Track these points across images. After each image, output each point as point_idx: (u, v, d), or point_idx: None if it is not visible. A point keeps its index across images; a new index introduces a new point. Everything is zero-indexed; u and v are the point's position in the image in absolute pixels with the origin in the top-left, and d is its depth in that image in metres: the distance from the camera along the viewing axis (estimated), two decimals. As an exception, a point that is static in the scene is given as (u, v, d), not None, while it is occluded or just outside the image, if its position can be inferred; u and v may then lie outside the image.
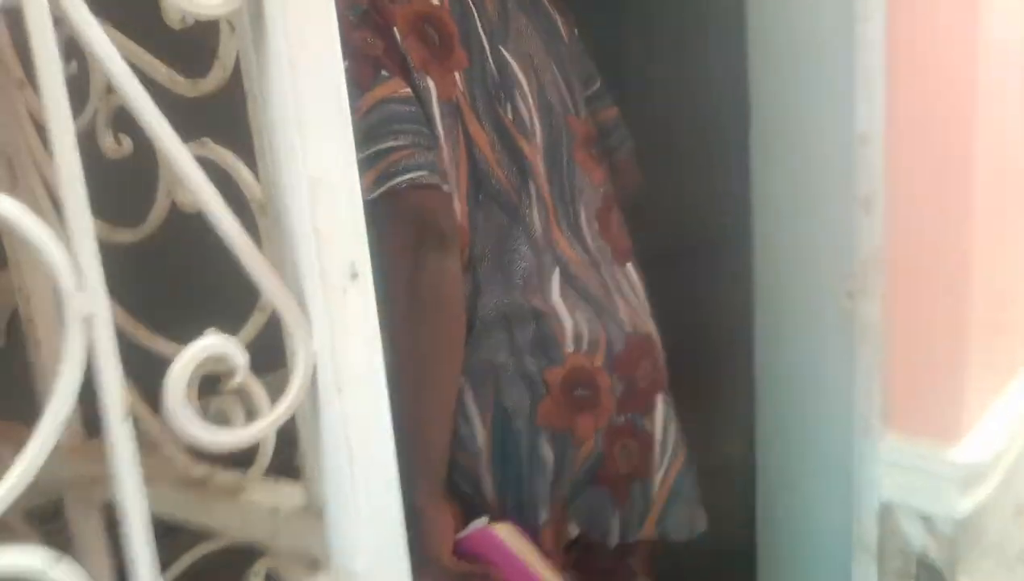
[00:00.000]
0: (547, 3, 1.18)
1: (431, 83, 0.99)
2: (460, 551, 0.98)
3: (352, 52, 0.92)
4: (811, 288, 1.11)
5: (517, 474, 1.02)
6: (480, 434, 1.02)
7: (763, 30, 1.08)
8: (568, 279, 1.07)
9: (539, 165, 1.08)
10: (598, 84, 1.24)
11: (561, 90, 1.13)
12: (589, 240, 1.12)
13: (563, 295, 1.05)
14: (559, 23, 1.18)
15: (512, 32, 1.09)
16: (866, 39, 0.97)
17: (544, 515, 1.04)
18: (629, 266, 1.16)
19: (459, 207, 1.01)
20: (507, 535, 0.98)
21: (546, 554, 1.01)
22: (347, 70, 0.87)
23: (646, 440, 1.09)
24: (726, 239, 1.38)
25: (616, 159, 1.23)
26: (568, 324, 1.04)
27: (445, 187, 0.97)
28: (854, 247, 1.05)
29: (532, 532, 1.02)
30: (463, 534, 0.99)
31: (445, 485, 1.00)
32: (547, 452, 1.02)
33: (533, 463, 1.02)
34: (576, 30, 1.22)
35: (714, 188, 1.75)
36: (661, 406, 1.12)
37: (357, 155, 0.85)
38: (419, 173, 0.94)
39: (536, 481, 1.03)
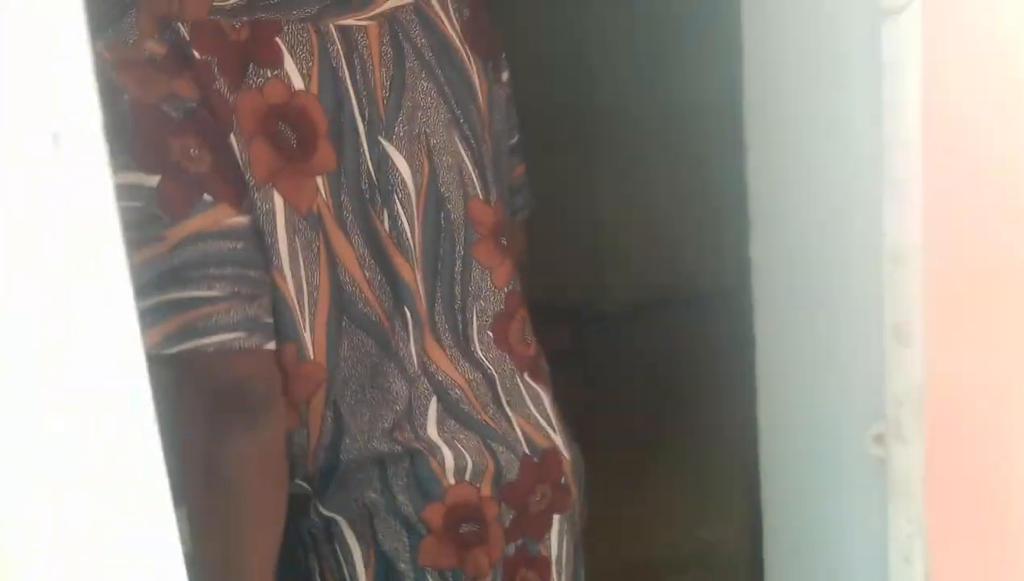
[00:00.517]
0: (463, 50, 0.96)
1: (278, 201, 0.81)
2: None
3: (167, 166, 0.75)
4: (828, 430, 0.92)
5: None
6: (362, 575, 0.91)
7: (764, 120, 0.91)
8: (448, 407, 0.94)
9: (416, 283, 0.91)
10: (516, 137, 1.09)
11: (464, 171, 0.95)
12: (481, 353, 0.97)
13: (441, 426, 0.92)
14: (474, 77, 0.97)
15: (405, 110, 0.90)
16: (899, 138, 0.80)
17: None
18: (527, 376, 1.01)
19: (314, 337, 0.85)
20: None
21: None
22: (158, 189, 0.74)
23: (542, 567, 0.99)
24: (726, 369, 1.23)
25: (516, 221, 1.11)
26: (448, 455, 0.92)
27: (268, 345, 0.81)
28: (884, 382, 0.87)
29: None
30: None
31: None
32: None
33: None
34: (505, 73, 1.05)
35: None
36: (557, 525, 1.00)
37: (152, 298, 0.73)
38: (233, 335, 0.77)
39: None
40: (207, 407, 0.79)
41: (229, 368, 0.79)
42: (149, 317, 0.73)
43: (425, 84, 0.92)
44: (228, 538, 0.83)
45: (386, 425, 0.90)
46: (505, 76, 1.04)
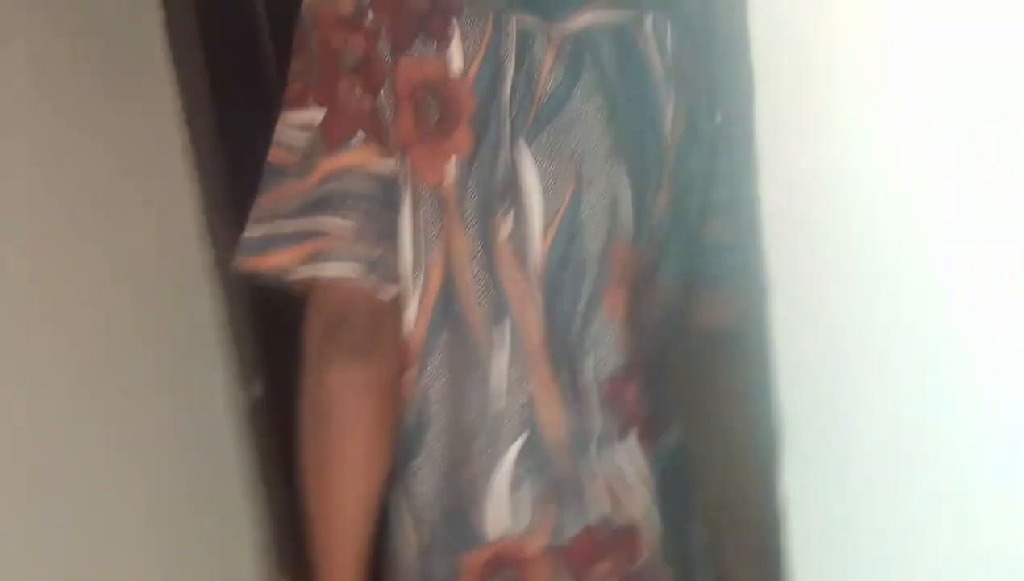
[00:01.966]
0: (663, 83, 0.87)
1: (408, 165, 0.82)
2: None
3: (334, 102, 0.80)
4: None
5: None
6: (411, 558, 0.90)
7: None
8: (535, 448, 0.86)
9: (526, 300, 0.85)
10: (722, 193, 0.94)
11: (619, 208, 0.86)
12: (590, 407, 0.88)
13: (515, 472, 0.86)
14: (667, 113, 0.87)
15: (563, 119, 0.84)
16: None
17: None
18: (632, 439, 0.90)
19: (419, 314, 0.84)
20: None
21: None
22: (323, 121, 0.80)
23: None
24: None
25: (705, 293, 0.97)
26: (501, 515, 0.86)
27: (385, 287, 0.81)
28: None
29: None
30: None
31: None
32: None
33: None
34: (720, 116, 0.90)
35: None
36: None
37: (295, 221, 0.80)
38: (351, 267, 0.79)
39: None
40: (315, 334, 0.81)
41: (341, 301, 0.81)
42: (290, 237, 0.80)
43: (597, 104, 0.85)
44: (320, 469, 0.84)
45: (458, 450, 0.87)
46: (720, 119, 0.90)
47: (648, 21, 0.87)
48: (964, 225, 0.50)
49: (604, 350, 0.87)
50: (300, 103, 0.82)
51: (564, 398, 0.87)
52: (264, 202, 0.83)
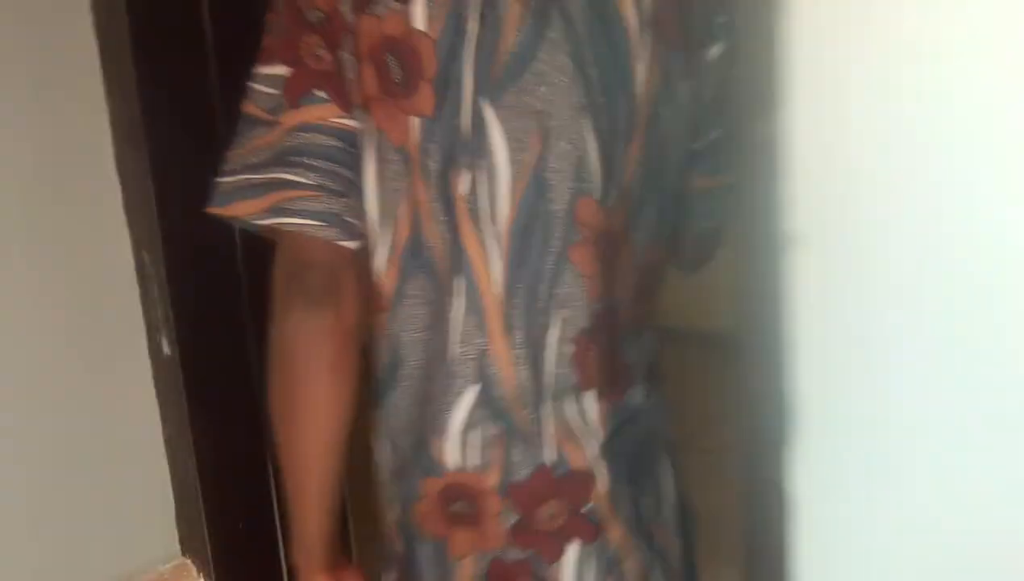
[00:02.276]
0: (637, 36, 0.85)
1: (373, 123, 0.83)
2: None
3: (296, 59, 0.83)
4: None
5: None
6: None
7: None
8: (487, 400, 0.88)
9: (478, 258, 0.85)
10: (704, 141, 0.95)
11: (585, 165, 0.85)
12: (550, 364, 0.89)
13: (471, 416, 0.89)
14: (637, 66, 0.85)
15: (527, 77, 0.82)
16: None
17: None
18: (590, 395, 0.91)
19: (389, 262, 0.88)
20: None
21: None
22: (286, 78, 0.83)
23: None
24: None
25: (685, 237, 0.99)
26: (455, 449, 0.90)
27: (342, 242, 0.84)
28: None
29: None
30: None
31: (326, 545, 0.93)
32: (427, 551, 0.94)
33: (418, 555, 0.95)
34: (708, 65, 0.90)
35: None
36: (575, 555, 0.92)
37: (260, 173, 0.83)
38: (312, 222, 0.83)
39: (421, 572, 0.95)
40: (278, 282, 0.86)
41: (301, 250, 0.84)
42: (256, 189, 0.83)
43: (562, 60, 0.83)
44: (285, 411, 0.89)
45: (421, 389, 0.91)
46: (708, 66, 0.90)
47: None
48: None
49: (571, 310, 0.88)
50: (269, 58, 0.84)
51: (517, 354, 0.88)
52: (235, 153, 0.85)
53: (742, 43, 0.81)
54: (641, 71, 0.85)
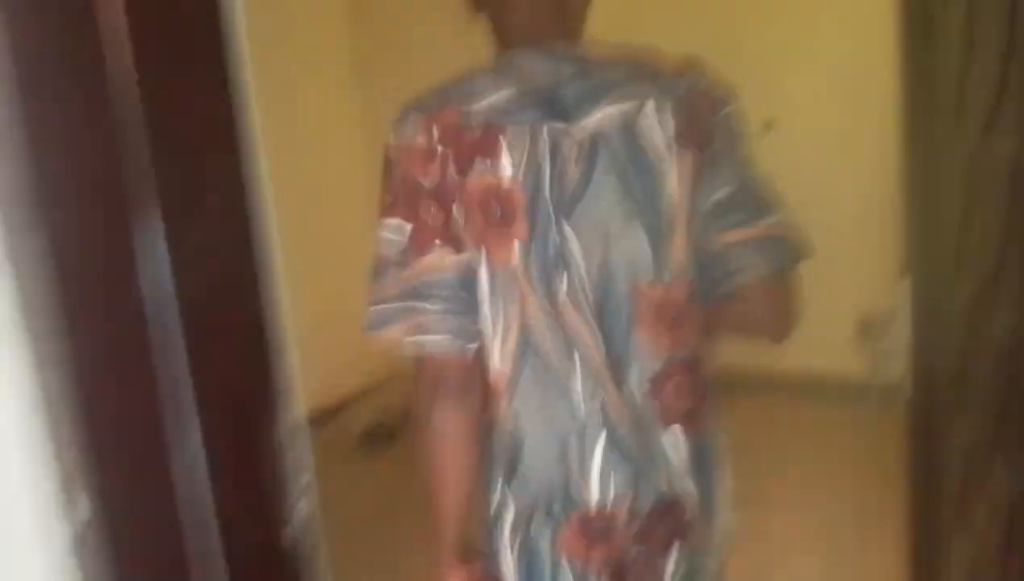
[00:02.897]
0: (666, 153, 1.14)
1: (484, 254, 1.12)
2: None
3: (418, 218, 1.11)
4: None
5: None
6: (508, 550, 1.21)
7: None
8: (614, 441, 1.16)
9: (586, 335, 1.14)
10: (746, 193, 1.18)
11: (640, 258, 1.14)
12: (638, 399, 1.17)
13: (606, 456, 1.16)
14: (670, 174, 1.14)
15: (588, 199, 1.12)
16: None
17: None
18: (676, 428, 1.19)
19: (503, 359, 1.15)
20: None
21: None
22: (412, 232, 1.12)
23: (654, 575, 1.21)
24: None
25: (733, 287, 1.18)
26: (596, 490, 1.16)
27: (468, 347, 1.13)
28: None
29: None
30: None
31: (462, 550, 1.21)
32: (567, 575, 1.18)
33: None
34: (713, 150, 1.16)
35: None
36: (676, 552, 1.21)
37: (399, 302, 1.12)
38: (442, 337, 1.11)
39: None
40: (424, 387, 1.14)
41: (436, 361, 1.13)
42: (397, 315, 1.12)
43: (612, 183, 1.12)
44: (434, 479, 1.16)
45: (554, 447, 1.16)
46: (721, 154, 1.16)
47: (649, 105, 1.13)
48: None
49: (643, 362, 1.16)
50: (391, 213, 1.13)
51: (625, 400, 1.16)
52: (376, 289, 1.14)
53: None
54: (673, 179, 1.14)
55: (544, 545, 1.17)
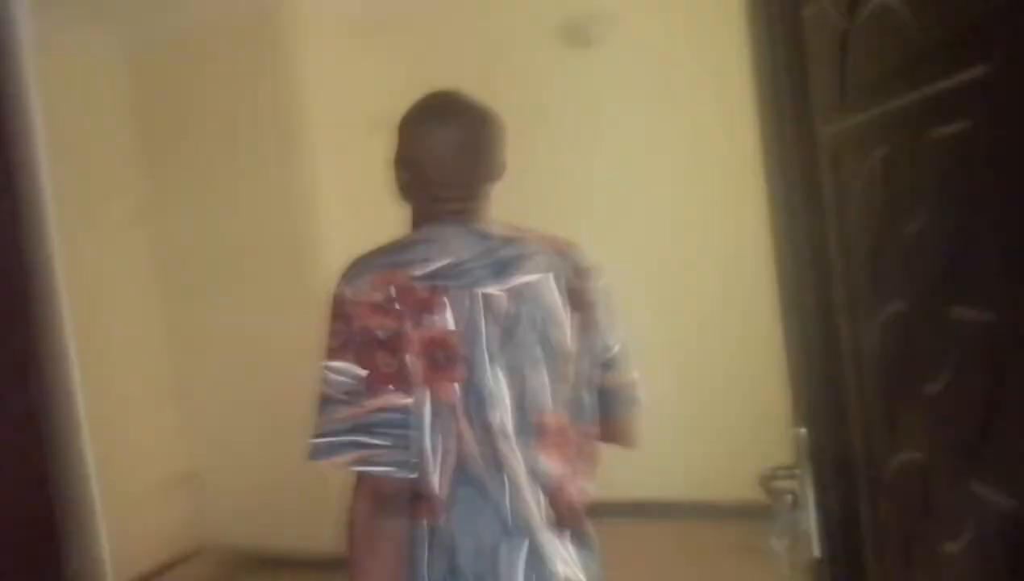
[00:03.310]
0: (563, 311, 1.46)
1: (428, 393, 1.33)
2: None
3: (373, 366, 1.30)
4: None
5: None
6: None
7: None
8: (534, 547, 1.37)
9: (512, 459, 1.37)
10: (615, 351, 1.57)
11: (543, 394, 1.42)
12: (544, 511, 1.41)
13: (528, 563, 1.37)
14: (566, 329, 1.45)
15: (511, 348, 1.38)
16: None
17: None
18: (568, 533, 1.44)
19: (441, 482, 1.34)
20: None
21: None
22: (366, 378, 1.30)
23: None
24: None
25: (612, 421, 1.56)
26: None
27: (410, 475, 1.32)
28: None
29: None
30: None
31: None
32: None
33: None
34: (595, 312, 1.51)
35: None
36: None
37: (350, 436, 1.29)
38: (389, 468, 1.30)
39: None
40: (368, 501, 1.31)
41: (384, 486, 1.30)
42: (345, 447, 1.29)
43: (529, 336, 1.40)
44: (365, 571, 1.32)
45: (487, 553, 1.35)
46: (597, 316, 1.52)
47: (550, 276, 1.46)
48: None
49: (543, 479, 1.40)
50: (340, 356, 1.32)
51: (542, 512, 1.40)
52: (323, 422, 1.31)
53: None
54: (568, 331, 1.46)
55: None
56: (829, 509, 1.17)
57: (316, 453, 1.29)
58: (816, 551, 1.19)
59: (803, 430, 1.19)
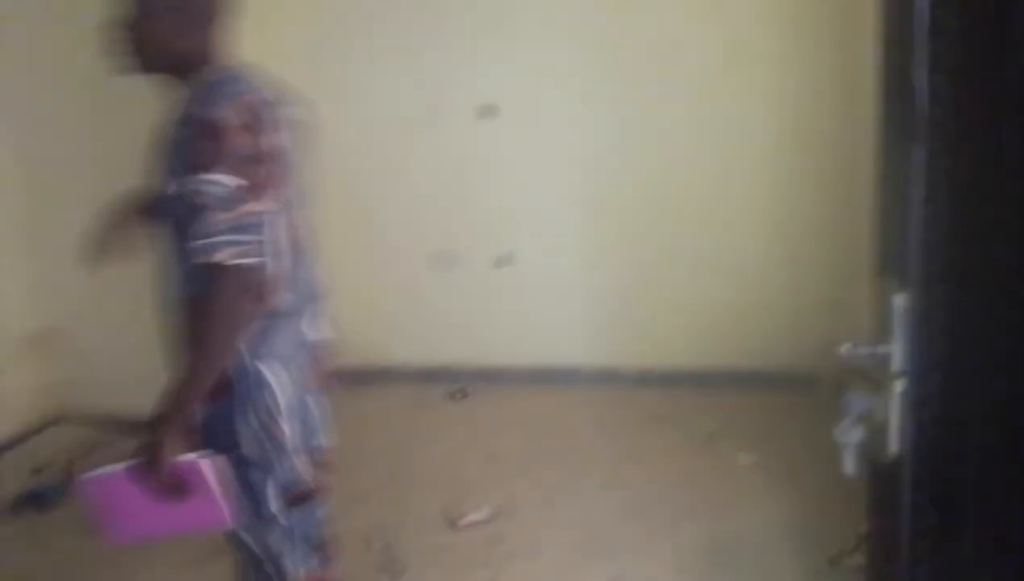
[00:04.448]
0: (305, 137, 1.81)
1: (276, 196, 1.63)
2: (173, 470, 1.54)
3: (243, 174, 1.56)
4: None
5: (303, 420, 1.78)
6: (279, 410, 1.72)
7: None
8: (317, 307, 1.83)
9: (306, 244, 1.81)
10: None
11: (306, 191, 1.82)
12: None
13: (312, 316, 1.80)
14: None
15: (300, 162, 1.80)
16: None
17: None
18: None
19: (283, 264, 1.69)
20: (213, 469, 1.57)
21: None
22: (236, 185, 1.57)
23: None
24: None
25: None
26: (312, 335, 1.81)
27: (271, 264, 1.63)
28: None
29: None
30: (183, 458, 1.55)
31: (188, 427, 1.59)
32: (315, 408, 1.84)
33: (308, 413, 1.81)
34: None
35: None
36: None
37: (226, 235, 1.55)
38: (259, 260, 1.58)
39: (312, 426, 1.83)
40: (233, 287, 1.56)
41: (254, 275, 1.59)
42: (222, 245, 1.54)
43: (307, 155, 1.84)
44: (218, 344, 1.58)
45: (303, 303, 1.77)
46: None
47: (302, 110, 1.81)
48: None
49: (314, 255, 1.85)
50: (214, 170, 1.54)
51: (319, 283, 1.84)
52: (203, 226, 1.54)
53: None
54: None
55: (299, 378, 1.75)
56: (924, 396, 0.90)
57: (198, 254, 1.53)
58: (893, 447, 0.93)
59: (901, 294, 0.90)
